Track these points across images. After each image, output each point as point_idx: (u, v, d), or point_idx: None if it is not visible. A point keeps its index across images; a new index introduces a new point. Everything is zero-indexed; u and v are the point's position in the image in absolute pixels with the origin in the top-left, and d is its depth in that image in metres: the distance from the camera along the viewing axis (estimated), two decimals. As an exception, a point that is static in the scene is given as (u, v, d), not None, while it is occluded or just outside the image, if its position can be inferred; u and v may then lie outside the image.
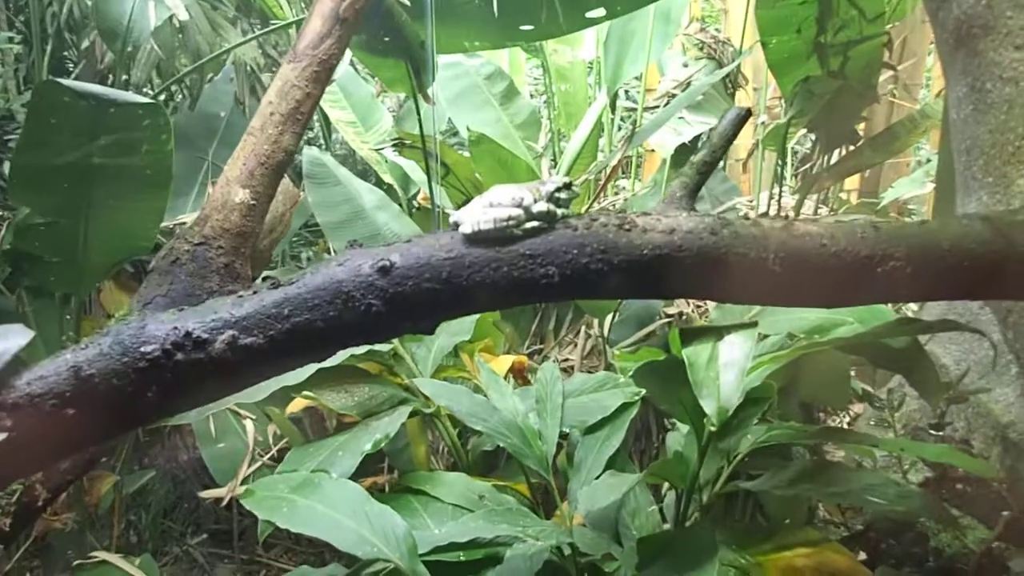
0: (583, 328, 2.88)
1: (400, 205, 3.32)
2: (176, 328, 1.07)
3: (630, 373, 1.22)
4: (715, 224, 1.13)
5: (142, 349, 1.05)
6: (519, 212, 1.10)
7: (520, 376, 2.28)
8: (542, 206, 1.12)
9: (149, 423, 2.44)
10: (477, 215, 1.11)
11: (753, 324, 1.20)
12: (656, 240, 1.11)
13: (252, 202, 1.49)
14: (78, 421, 1.03)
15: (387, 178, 3.52)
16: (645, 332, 2.80)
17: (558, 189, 1.15)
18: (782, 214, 3.05)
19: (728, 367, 1.12)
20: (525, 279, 1.09)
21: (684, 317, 2.80)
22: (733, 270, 1.12)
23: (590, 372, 2.79)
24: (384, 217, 2.94)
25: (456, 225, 1.13)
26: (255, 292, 1.11)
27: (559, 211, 1.14)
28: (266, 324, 1.08)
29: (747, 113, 1.25)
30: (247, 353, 1.07)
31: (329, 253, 3.40)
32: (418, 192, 3.63)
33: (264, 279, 1.14)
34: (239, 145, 1.50)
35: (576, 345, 2.87)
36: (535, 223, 1.11)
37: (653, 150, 3.59)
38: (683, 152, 3.28)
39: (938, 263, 1.15)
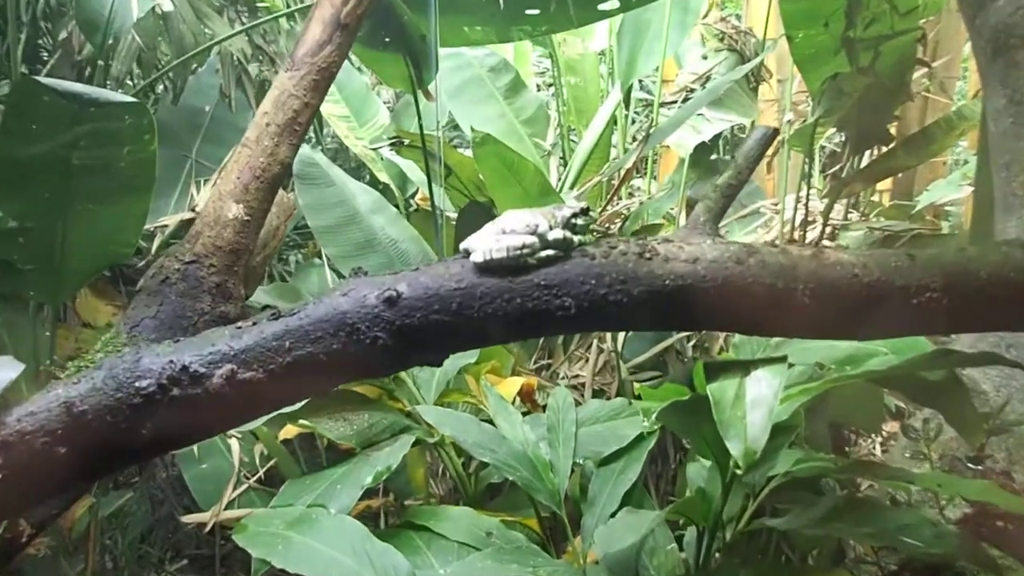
0: (595, 342, 2.90)
1: (397, 207, 3.34)
2: (172, 362, 1.10)
3: (654, 414, 1.26)
4: (741, 253, 1.16)
5: (137, 384, 1.09)
6: (533, 240, 1.14)
7: (529, 399, 2.31)
8: (558, 233, 1.15)
9: (143, 460, 2.47)
10: (489, 243, 1.14)
11: (782, 359, 1.23)
12: (678, 270, 1.14)
13: (246, 217, 1.51)
14: (70, 459, 1.07)
15: (383, 177, 3.55)
16: (662, 347, 2.83)
17: (574, 215, 1.18)
18: (809, 219, 3.07)
19: (756, 405, 1.14)
20: (540, 311, 1.13)
21: (702, 332, 2.83)
22: (760, 301, 1.15)
23: (603, 389, 2.83)
24: (380, 221, 2.97)
25: (467, 253, 1.16)
26: (254, 323, 1.15)
27: (576, 238, 1.17)
28: (266, 357, 1.11)
29: (774, 133, 1.28)
30: (246, 388, 1.11)
31: (320, 257, 3.43)
32: (416, 192, 3.66)
33: (264, 308, 1.17)
34: (233, 157, 1.53)
35: (587, 360, 2.89)
36: (550, 251, 1.14)
37: (669, 147, 3.61)
38: (702, 151, 3.30)
39: (977, 294, 1.18)
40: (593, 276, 1.13)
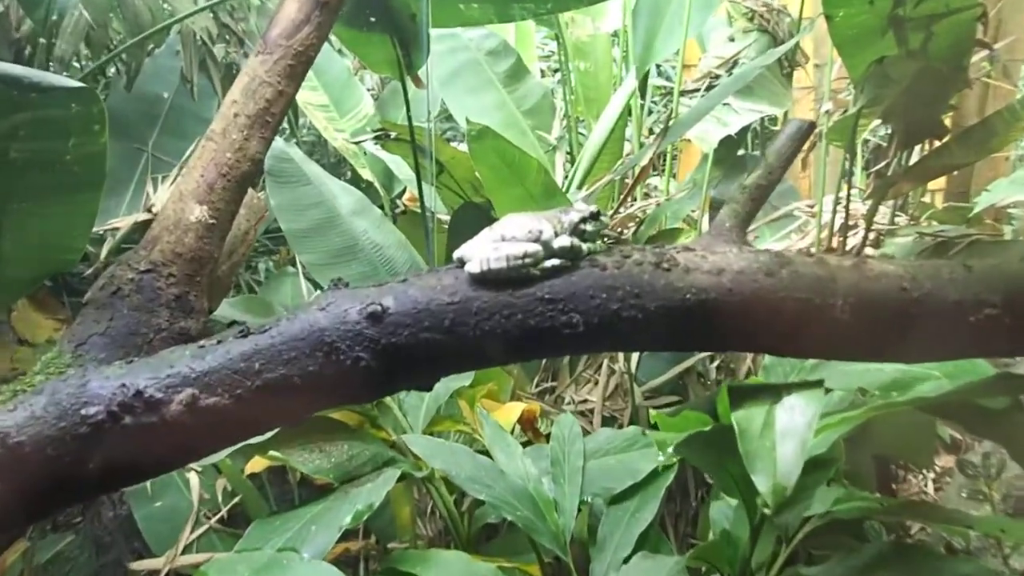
0: (605, 363, 2.91)
1: (382, 208, 3.36)
2: (124, 386, 1.11)
3: (672, 445, 1.26)
4: (772, 263, 1.17)
5: (83, 412, 1.09)
6: (537, 248, 1.15)
7: (531, 428, 2.31)
8: (564, 240, 1.16)
9: (89, 498, 2.47)
10: (487, 251, 1.15)
11: (819, 383, 1.23)
12: (701, 282, 1.15)
13: (211, 221, 1.53)
14: (4, 497, 1.07)
15: (366, 174, 3.57)
16: (681, 369, 2.83)
17: (583, 220, 1.19)
18: (850, 223, 3.08)
19: (786, 436, 1.15)
20: (543, 328, 1.13)
21: (727, 352, 2.84)
22: (793, 318, 1.16)
23: (614, 417, 2.83)
24: (363, 224, 2.99)
25: (461, 262, 1.17)
26: (219, 341, 1.15)
27: (584, 246, 1.18)
28: (232, 381, 1.12)
29: (810, 126, 1.29)
30: (209, 415, 1.11)
31: (294, 265, 3.44)
32: (404, 191, 3.68)
33: (231, 324, 1.18)
34: (196, 152, 1.54)
35: (596, 384, 2.90)
36: (556, 261, 1.15)
37: (690, 141, 3.63)
38: (728, 146, 3.32)
39: (1043, 311, 1.19)
40: (604, 289, 1.14)
